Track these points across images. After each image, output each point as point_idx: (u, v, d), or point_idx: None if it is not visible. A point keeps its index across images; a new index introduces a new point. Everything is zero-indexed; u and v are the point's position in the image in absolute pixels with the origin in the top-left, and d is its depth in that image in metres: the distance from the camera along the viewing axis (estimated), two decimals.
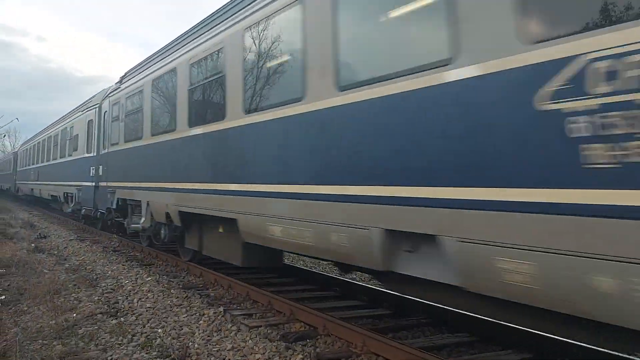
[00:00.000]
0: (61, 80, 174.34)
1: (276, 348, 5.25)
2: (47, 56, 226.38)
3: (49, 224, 20.40)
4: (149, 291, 7.91)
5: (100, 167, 14.10)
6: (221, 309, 6.69)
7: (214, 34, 7.80)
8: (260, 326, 5.97)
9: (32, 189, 28.32)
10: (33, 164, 28.36)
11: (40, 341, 5.32)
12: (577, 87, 2.93)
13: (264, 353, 5.12)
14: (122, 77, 13.16)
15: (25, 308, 6.77)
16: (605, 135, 2.79)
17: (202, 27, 8.43)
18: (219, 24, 7.73)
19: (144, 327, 6.05)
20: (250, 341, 5.49)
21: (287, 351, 5.17)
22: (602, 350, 4.58)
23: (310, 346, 5.37)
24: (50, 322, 6.02)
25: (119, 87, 12.89)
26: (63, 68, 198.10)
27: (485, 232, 3.47)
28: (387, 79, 4.37)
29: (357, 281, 8.37)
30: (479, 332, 5.60)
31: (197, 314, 6.57)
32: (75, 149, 17.46)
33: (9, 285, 7.99)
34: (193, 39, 8.62)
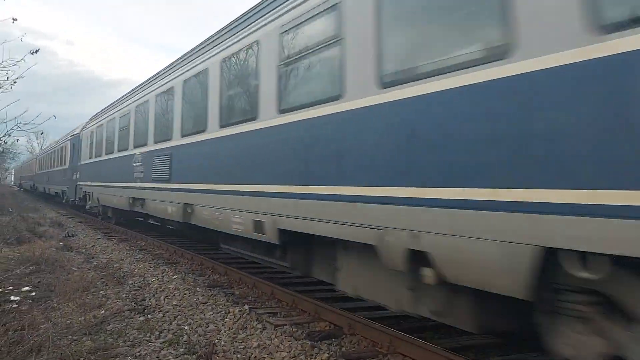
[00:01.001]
0: (88, 83, 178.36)
1: (302, 346, 5.26)
2: (75, 60, 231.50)
3: (76, 223, 20.79)
4: (175, 289, 8.01)
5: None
6: (246, 307, 6.73)
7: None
8: (285, 325, 5.98)
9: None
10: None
11: (70, 337, 5.41)
12: None
13: (289, 351, 5.14)
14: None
15: (55, 305, 6.90)
16: None
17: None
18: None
19: (171, 324, 6.12)
20: (275, 339, 5.51)
21: (313, 350, 5.18)
22: None
23: (335, 345, 5.36)
24: (80, 319, 6.13)
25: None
26: (90, 71, 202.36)
27: None
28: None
29: None
30: (508, 334, 5.52)
31: (223, 312, 6.62)
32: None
33: (39, 282, 8.15)
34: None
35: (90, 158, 19.19)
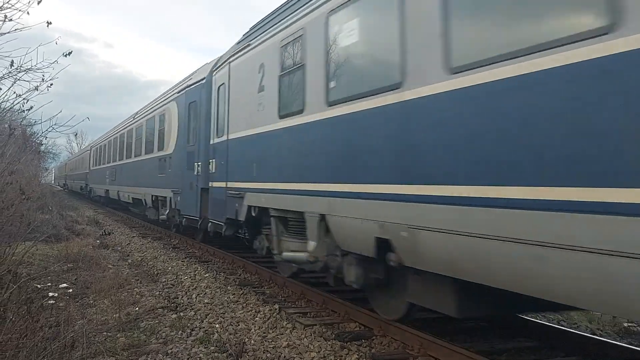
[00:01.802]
0: (127, 84, 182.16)
1: (331, 347, 5.23)
2: (113, 62, 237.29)
3: (112, 221, 21.31)
4: (206, 287, 8.09)
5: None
6: (276, 306, 6.74)
7: None
8: (315, 325, 5.96)
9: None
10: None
11: (104, 333, 5.53)
12: None
13: (319, 351, 5.11)
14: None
15: (91, 301, 7.07)
16: None
17: None
18: None
19: (202, 322, 6.18)
20: (305, 339, 5.50)
21: (342, 350, 5.14)
22: None
23: (365, 346, 5.31)
24: (114, 315, 6.25)
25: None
26: (128, 73, 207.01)
27: None
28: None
29: None
30: (541, 336, 5.38)
31: (253, 311, 6.65)
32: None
33: (76, 279, 8.36)
34: None
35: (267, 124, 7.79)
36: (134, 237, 15.49)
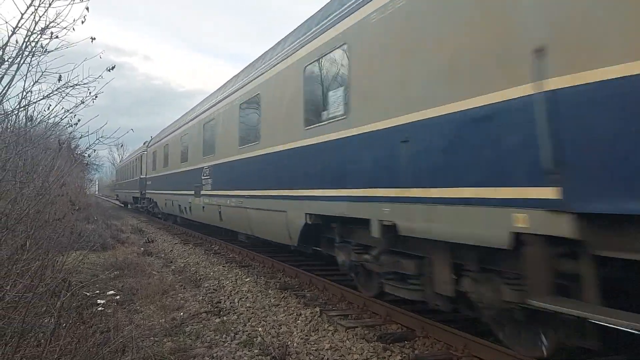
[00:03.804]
0: (165, 95, 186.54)
1: (374, 349, 5.23)
2: (152, 74, 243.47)
3: (155, 229, 21.83)
4: (248, 291, 8.21)
5: None
6: (317, 309, 6.78)
7: None
8: (357, 327, 5.97)
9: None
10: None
11: (152, 338, 5.68)
12: None
13: (361, 353, 5.12)
14: None
15: (138, 307, 7.27)
16: None
17: None
18: None
19: (245, 325, 6.28)
20: (347, 341, 5.51)
21: (385, 352, 5.13)
22: None
23: (408, 348, 5.29)
24: (160, 321, 6.42)
25: None
26: (166, 84, 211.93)
27: None
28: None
29: None
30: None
31: (295, 314, 6.70)
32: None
33: (122, 286, 8.61)
34: None
35: None
36: (176, 243, 15.83)
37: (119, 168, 52.53)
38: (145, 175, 26.74)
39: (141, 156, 28.60)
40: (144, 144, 28.74)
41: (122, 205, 44.58)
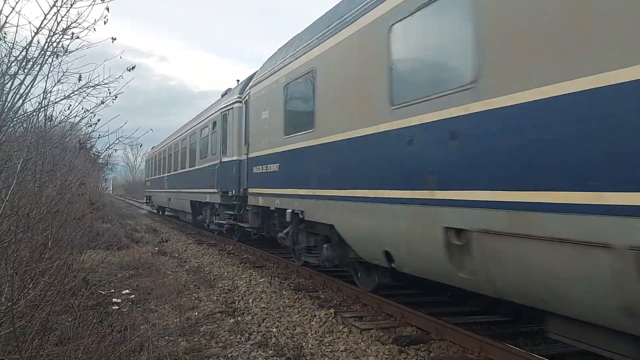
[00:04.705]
0: (180, 96, 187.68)
1: (389, 351, 5.22)
2: (168, 74, 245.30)
3: (169, 229, 21.98)
4: (262, 292, 8.23)
5: None
6: (332, 310, 6.78)
7: None
8: (372, 329, 5.96)
9: None
10: None
11: (167, 337, 5.71)
12: None
13: (377, 355, 5.11)
14: None
15: (153, 307, 7.32)
16: None
17: None
18: None
19: (260, 326, 6.30)
20: (362, 343, 5.51)
21: (400, 354, 5.12)
22: None
23: (424, 350, 5.27)
24: (175, 320, 6.46)
25: None
26: (182, 84, 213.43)
27: None
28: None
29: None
30: None
31: (309, 315, 6.71)
32: None
33: (137, 285, 8.68)
34: None
35: None
36: (190, 243, 15.93)
37: (151, 156, 33.08)
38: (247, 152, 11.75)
39: (224, 115, 14.23)
40: (224, 93, 15.92)
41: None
